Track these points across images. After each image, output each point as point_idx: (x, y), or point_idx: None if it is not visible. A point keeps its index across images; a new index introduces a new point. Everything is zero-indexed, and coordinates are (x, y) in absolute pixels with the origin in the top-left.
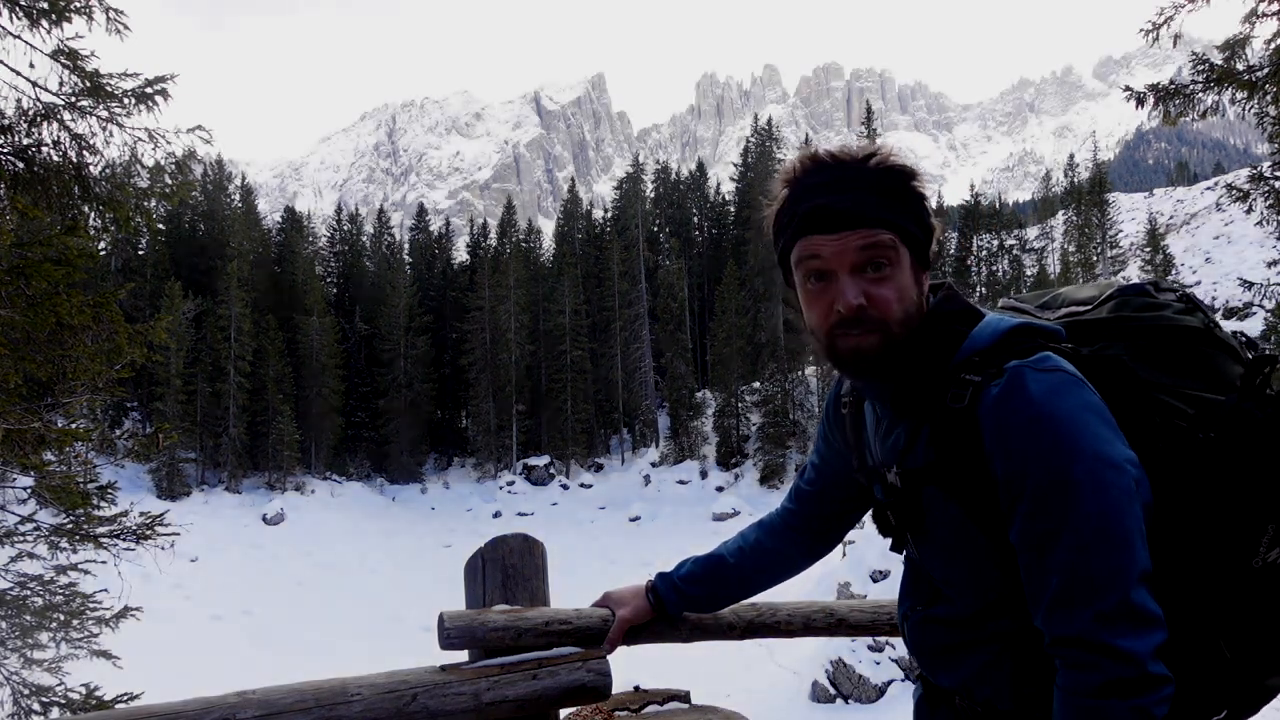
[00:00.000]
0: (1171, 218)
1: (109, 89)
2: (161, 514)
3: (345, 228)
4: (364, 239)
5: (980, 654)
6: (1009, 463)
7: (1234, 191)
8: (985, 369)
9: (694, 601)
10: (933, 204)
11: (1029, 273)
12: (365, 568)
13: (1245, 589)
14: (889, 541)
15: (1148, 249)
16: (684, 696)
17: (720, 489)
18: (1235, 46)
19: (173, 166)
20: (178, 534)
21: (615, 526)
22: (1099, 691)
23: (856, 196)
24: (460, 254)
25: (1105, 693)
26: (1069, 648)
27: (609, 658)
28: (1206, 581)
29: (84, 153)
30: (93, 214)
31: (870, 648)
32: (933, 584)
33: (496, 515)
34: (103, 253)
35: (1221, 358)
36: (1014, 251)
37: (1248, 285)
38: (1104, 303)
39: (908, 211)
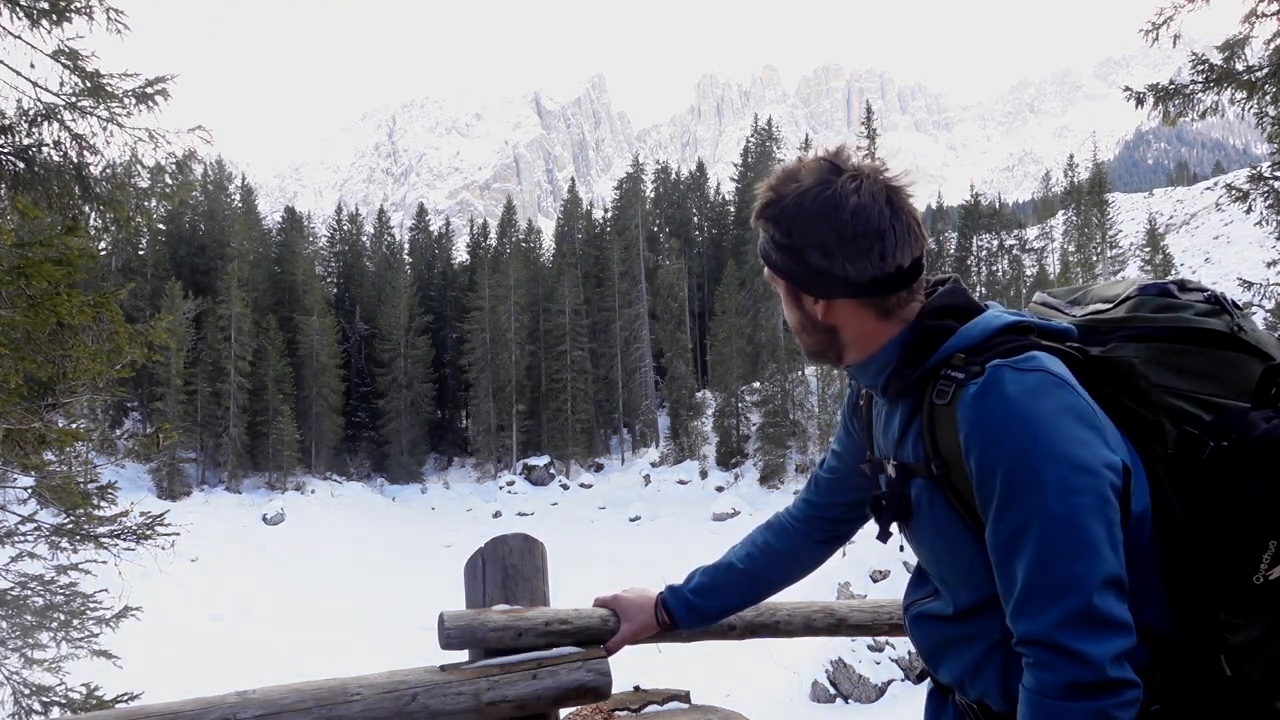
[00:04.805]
0: (1171, 218)
1: (109, 89)
2: (162, 514)
3: (345, 228)
4: (364, 239)
5: (970, 651)
6: (981, 462)
7: (1233, 192)
8: (969, 366)
9: (707, 614)
10: (819, 231)
11: (1029, 273)
12: (365, 568)
13: (1245, 605)
14: (903, 541)
15: (1147, 249)
16: (684, 696)
17: (720, 489)
18: (1235, 46)
19: (173, 166)
20: (178, 534)
21: (615, 526)
22: (1059, 692)
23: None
24: (460, 254)
25: (1065, 693)
26: (1031, 647)
27: (609, 658)
28: (1207, 594)
29: (84, 153)
30: (93, 214)
31: (870, 648)
32: (930, 579)
33: (496, 515)
34: (103, 253)
35: (1249, 362)
36: (1014, 251)
37: (1247, 285)
38: (1123, 302)
39: (775, 249)
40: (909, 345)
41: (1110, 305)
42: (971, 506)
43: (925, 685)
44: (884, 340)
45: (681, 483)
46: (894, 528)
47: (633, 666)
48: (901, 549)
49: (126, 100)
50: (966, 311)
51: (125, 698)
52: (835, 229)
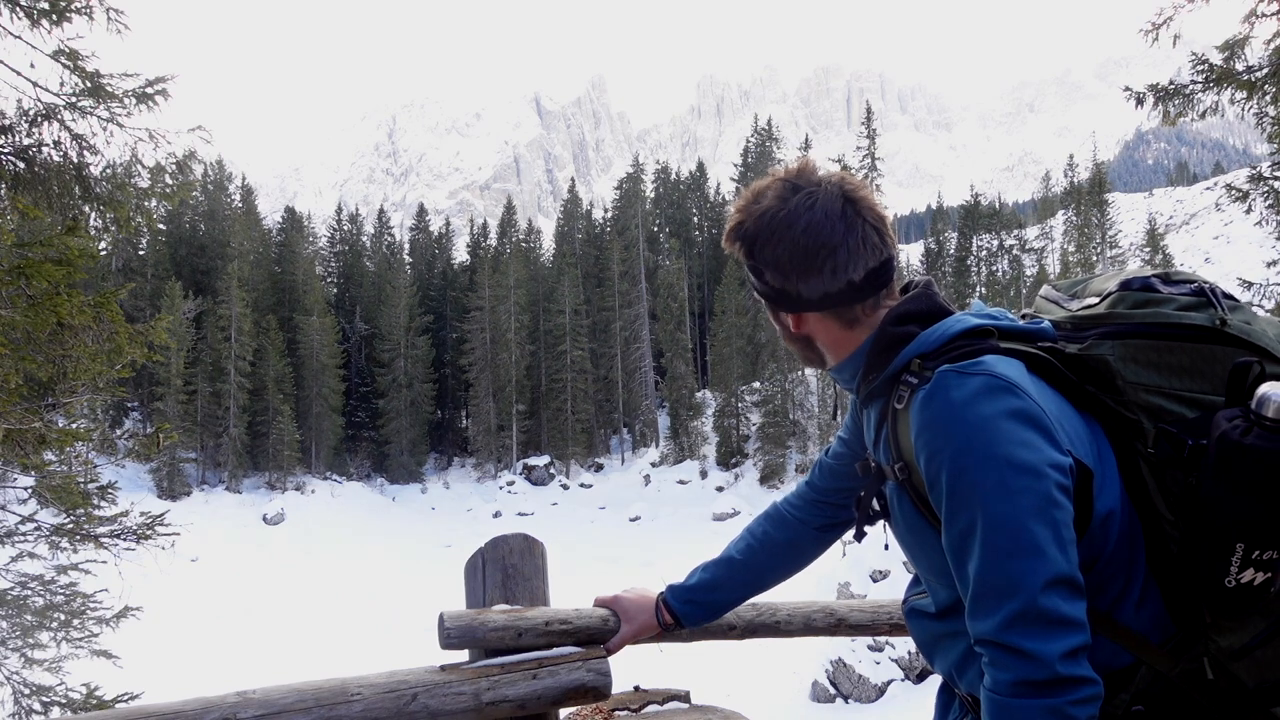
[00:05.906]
0: (1171, 218)
1: (109, 89)
2: (162, 514)
3: (345, 228)
4: (364, 239)
5: (956, 648)
6: (928, 466)
7: (1233, 192)
8: (923, 372)
9: (710, 610)
10: (774, 253)
11: (1029, 273)
12: (365, 568)
13: (1229, 608)
14: (888, 541)
15: (1147, 249)
16: (684, 696)
17: (720, 489)
18: (1235, 46)
19: (173, 166)
20: (178, 534)
21: (615, 526)
22: (1011, 690)
23: None
24: (460, 254)
25: (1017, 691)
26: (984, 647)
27: (609, 658)
28: (1192, 595)
29: (84, 153)
30: (93, 214)
31: (870, 648)
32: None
33: (496, 515)
34: (103, 253)
35: (1237, 356)
36: (1014, 251)
37: (1247, 285)
38: (1106, 297)
39: (745, 269)
40: (874, 351)
41: (1098, 300)
42: (932, 508)
43: (926, 684)
44: (853, 348)
45: (681, 483)
46: (878, 528)
47: (633, 666)
48: (887, 548)
49: (126, 100)
50: (931, 316)
51: (125, 698)
52: (788, 248)
